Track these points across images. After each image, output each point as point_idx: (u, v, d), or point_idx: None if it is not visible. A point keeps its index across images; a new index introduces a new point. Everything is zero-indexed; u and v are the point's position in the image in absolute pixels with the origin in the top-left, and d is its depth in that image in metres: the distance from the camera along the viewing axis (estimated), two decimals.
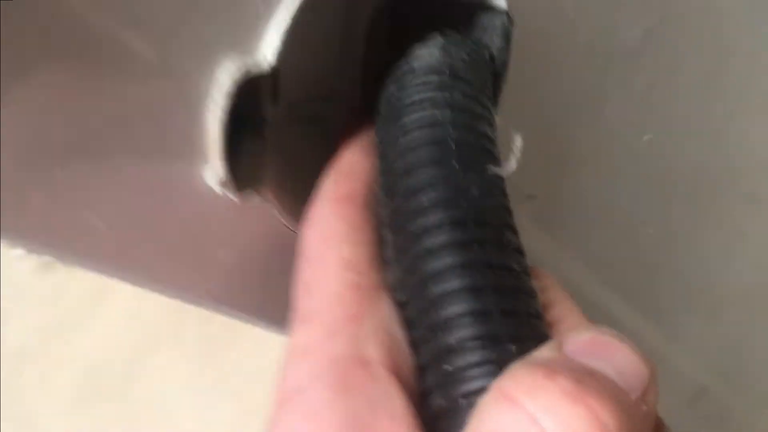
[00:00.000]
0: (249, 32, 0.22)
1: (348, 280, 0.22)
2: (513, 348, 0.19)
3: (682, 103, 0.47)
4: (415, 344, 0.21)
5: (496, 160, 0.24)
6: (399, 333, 0.21)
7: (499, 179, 0.24)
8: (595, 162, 0.40)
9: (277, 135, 0.29)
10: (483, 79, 0.27)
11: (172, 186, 0.23)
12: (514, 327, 0.20)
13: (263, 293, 0.28)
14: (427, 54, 0.26)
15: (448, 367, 0.20)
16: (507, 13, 0.28)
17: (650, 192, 0.53)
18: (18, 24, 0.18)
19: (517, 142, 0.25)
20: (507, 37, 0.28)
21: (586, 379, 0.16)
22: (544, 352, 0.19)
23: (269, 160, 0.27)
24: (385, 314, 0.21)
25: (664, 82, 0.45)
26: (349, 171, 0.25)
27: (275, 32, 0.23)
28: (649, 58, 0.41)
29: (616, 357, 0.17)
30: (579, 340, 0.18)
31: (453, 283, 0.20)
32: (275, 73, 0.25)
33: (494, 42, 0.28)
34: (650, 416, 0.17)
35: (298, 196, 0.29)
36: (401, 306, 0.22)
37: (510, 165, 0.24)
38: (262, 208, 0.26)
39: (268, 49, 0.23)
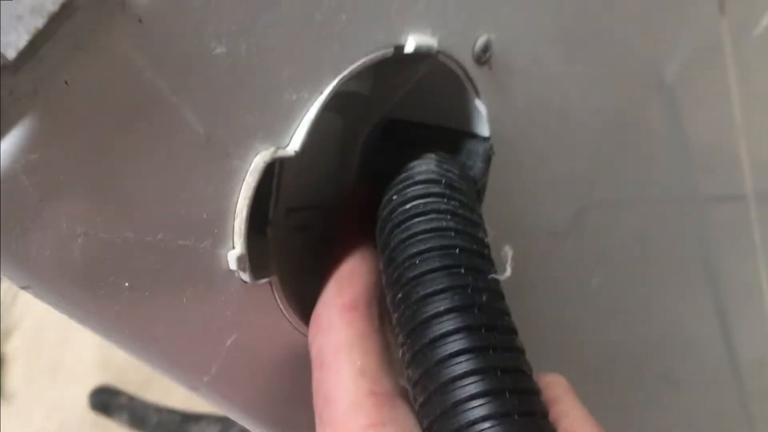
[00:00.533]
0: (281, 123, 0.24)
1: (365, 388, 0.23)
2: None
3: (608, 282, 0.52)
4: None
5: (494, 266, 0.26)
6: None
7: (498, 284, 0.26)
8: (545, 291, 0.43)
9: (275, 237, 0.30)
10: (472, 193, 0.30)
11: (194, 263, 0.24)
12: (530, 428, 0.21)
13: (261, 384, 0.27)
14: (425, 167, 0.29)
15: None
16: (488, 141, 0.31)
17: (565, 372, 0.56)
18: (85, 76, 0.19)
19: (509, 252, 0.27)
20: (488, 161, 0.32)
21: None
22: None
23: (271, 257, 0.28)
24: (404, 419, 0.23)
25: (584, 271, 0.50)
26: (350, 278, 0.27)
27: (302, 126, 0.25)
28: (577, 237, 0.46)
29: None
30: None
31: (472, 388, 0.21)
32: (282, 163, 0.27)
33: (477, 165, 0.32)
34: None
35: (294, 293, 0.30)
36: (421, 407, 0.23)
37: (506, 273, 0.26)
38: (269, 297, 0.27)
39: (295, 140, 0.25)
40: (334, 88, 0.25)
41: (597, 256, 0.51)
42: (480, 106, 0.31)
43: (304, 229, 0.33)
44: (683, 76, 0.43)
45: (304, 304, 0.31)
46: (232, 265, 0.24)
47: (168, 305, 0.23)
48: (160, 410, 1.07)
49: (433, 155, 0.30)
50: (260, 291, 0.26)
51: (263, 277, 0.26)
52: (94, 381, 1.24)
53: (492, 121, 0.32)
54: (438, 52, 0.28)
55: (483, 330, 0.23)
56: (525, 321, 0.46)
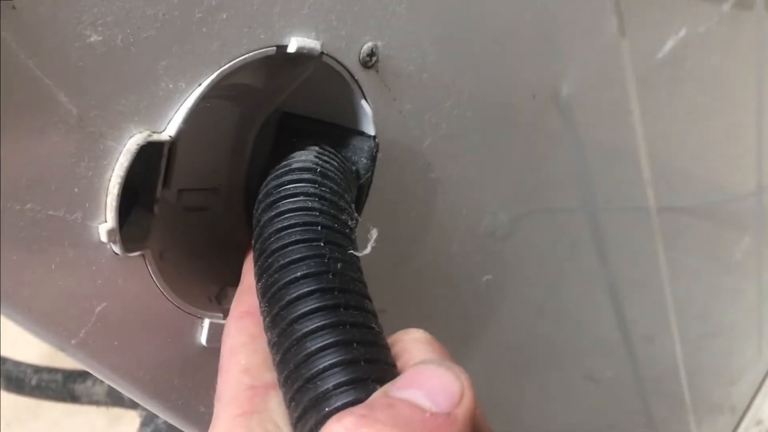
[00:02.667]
0: (157, 109, 0.26)
1: (244, 383, 0.26)
2: (377, 387, 0.23)
3: (532, 284, 0.55)
4: (291, 400, 0.24)
5: (354, 245, 0.29)
6: (283, 423, 0.25)
7: (357, 259, 0.28)
8: (440, 285, 0.46)
9: (165, 214, 0.32)
10: (348, 184, 0.32)
11: (65, 233, 0.26)
12: (377, 372, 0.24)
13: (130, 351, 0.29)
14: (304, 157, 0.31)
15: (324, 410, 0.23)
16: (374, 139, 0.34)
17: (494, 367, 0.59)
18: None
19: (373, 233, 0.30)
20: (373, 158, 0.34)
21: (386, 412, 0.20)
22: (374, 395, 0.22)
23: (154, 233, 0.30)
24: (271, 408, 0.25)
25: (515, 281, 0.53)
26: (249, 289, 0.29)
27: (179, 113, 0.27)
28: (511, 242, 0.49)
29: (427, 383, 0.21)
30: (402, 377, 0.22)
31: (322, 341, 0.24)
32: (173, 146, 0.29)
33: (361, 161, 0.34)
34: (465, 422, 0.21)
35: (173, 267, 0.32)
36: (277, 366, 0.25)
37: (366, 250, 0.29)
38: (142, 269, 0.29)
39: (171, 125, 0.27)
40: (213, 81, 0.27)
41: (529, 259, 0.54)
42: (366, 107, 0.33)
43: (199, 210, 0.35)
44: (581, 91, 0.46)
45: (187, 279, 0.33)
46: (103, 237, 0.26)
47: (36, 270, 0.25)
48: (38, 369, 0.92)
49: (316, 148, 0.32)
50: (133, 263, 0.28)
51: (136, 251, 0.28)
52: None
53: (379, 121, 0.34)
54: (322, 54, 0.30)
55: (336, 292, 0.25)
56: (458, 315, 0.49)
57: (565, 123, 0.46)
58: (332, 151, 0.33)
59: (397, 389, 0.22)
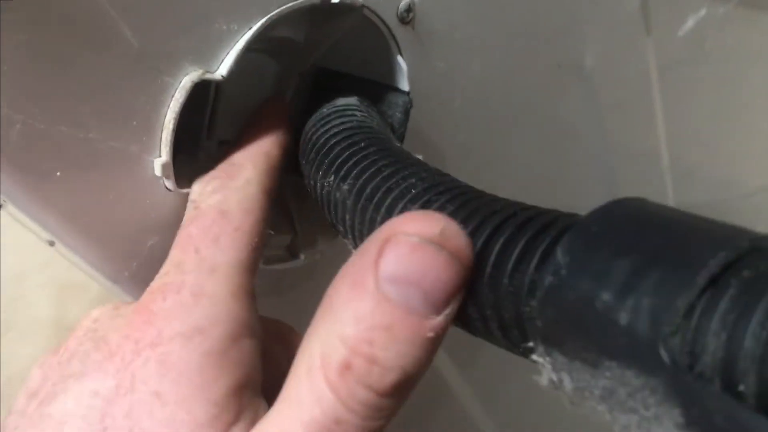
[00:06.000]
0: (210, 49, 0.28)
1: None
2: None
3: None
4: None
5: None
6: None
7: None
8: None
9: (207, 166, 0.33)
10: (385, 128, 0.33)
11: (123, 164, 0.27)
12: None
13: None
14: (346, 100, 0.33)
15: None
16: (408, 94, 0.35)
17: (508, 364, 0.60)
18: None
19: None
20: (407, 113, 0.35)
21: None
22: None
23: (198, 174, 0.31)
24: None
25: None
26: None
27: (230, 55, 0.28)
28: None
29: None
30: None
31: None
32: (217, 92, 0.30)
33: (396, 116, 0.35)
34: None
35: None
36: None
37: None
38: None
39: (223, 66, 0.28)
40: (263, 25, 0.29)
41: None
42: (401, 62, 0.34)
43: None
44: (604, 64, 0.47)
45: None
46: (158, 171, 0.28)
47: (95, 199, 0.27)
48: None
49: (355, 97, 0.34)
50: (183, 200, 0.29)
51: (187, 187, 0.29)
52: (46, 340, 1.24)
53: (413, 77, 0.35)
54: (363, 6, 0.32)
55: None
56: None
57: (588, 99, 0.47)
58: (370, 103, 0.34)
59: None
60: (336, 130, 0.29)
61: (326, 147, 0.28)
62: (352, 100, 0.32)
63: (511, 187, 0.48)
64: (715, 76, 0.67)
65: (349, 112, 0.30)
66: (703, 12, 0.53)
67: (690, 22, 0.52)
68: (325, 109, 0.31)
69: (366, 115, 0.31)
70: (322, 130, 0.30)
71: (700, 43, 0.56)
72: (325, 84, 0.36)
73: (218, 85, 0.29)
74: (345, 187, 0.26)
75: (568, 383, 0.17)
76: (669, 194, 0.67)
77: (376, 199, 0.25)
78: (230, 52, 0.28)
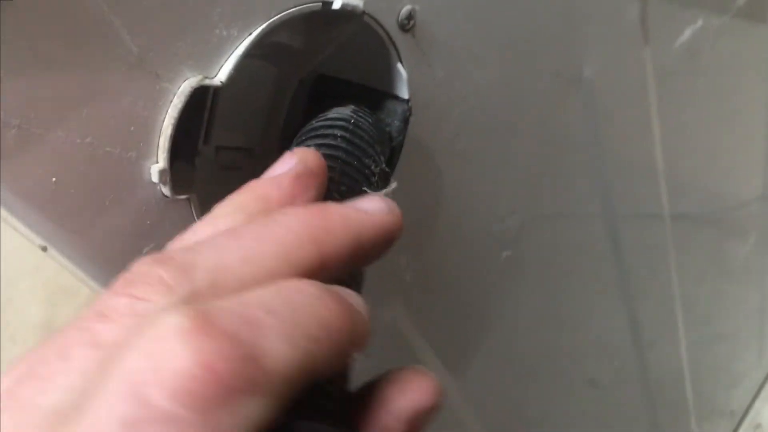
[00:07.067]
0: (209, 55, 0.27)
1: None
2: None
3: (538, 288, 0.56)
4: None
5: (370, 186, 0.30)
6: None
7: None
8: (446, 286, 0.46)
9: (203, 171, 0.33)
10: (379, 139, 0.33)
11: (119, 170, 0.26)
12: None
13: None
14: (339, 111, 0.32)
15: None
16: (408, 102, 0.35)
17: (499, 370, 0.60)
18: None
19: (393, 185, 0.31)
20: (406, 120, 0.35)
21: None
22: None
23: (194, 181, 0.31)
24: None
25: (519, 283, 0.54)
26: None
27: (230, 61, 0.28)
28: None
29: None
30: None
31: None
32: (215, 98, 0.30)
33: (395, 123, 0.35)
34: None
35: None
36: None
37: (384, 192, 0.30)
38: (188, 213, 0.29)
39: (222, 72, 0.28)
40: (263, 31, 0.28)
41: (536, 263, 0.55)
42: (401, 70, 0.34)
43: (232, 169, 0.36)
44: (603, 73, 0.47)
45: None
46: (154, 177, 0.27)
47: (90, 204, 0.26)
48: None
49: (352, 106, 0.33)
50: (180, 207, 0.29)
51: (183, 194, 0.29)
52: (35, 343, 1.23)
53: (413, 85, 0.35)
54: (363, 12, 0.31)
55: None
56: (465, 320, 0.50)
57: (586, 108, 0.47)
58: (368, 111, 0.34)
59: None
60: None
61: None
62: (346, 111, 0.32)
63: (509, 194, 0.48)
64: (710, 87, 0.67)
65: (335, 128, 0.30)
66: (699, 23, 0.53)
67: (687, 34, 0.52)
68: (314, 122, 0.31)
69: (351, 132, 0.30)
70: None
71: (697, 54, 0.56)
72: (325, 90, 0.36)
73: (216, 90, 0.29)
74: None
75: None
76: (664, 203, 0.68)
77: None
78: (230, 58, 0.28)
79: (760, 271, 1.11)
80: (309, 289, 0.17)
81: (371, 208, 0.22)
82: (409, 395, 0.19)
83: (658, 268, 0.74)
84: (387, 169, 0.31)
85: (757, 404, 1.23)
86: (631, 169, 0.59)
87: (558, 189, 0.52)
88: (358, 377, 0.21)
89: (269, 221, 0.20)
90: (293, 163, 0.24)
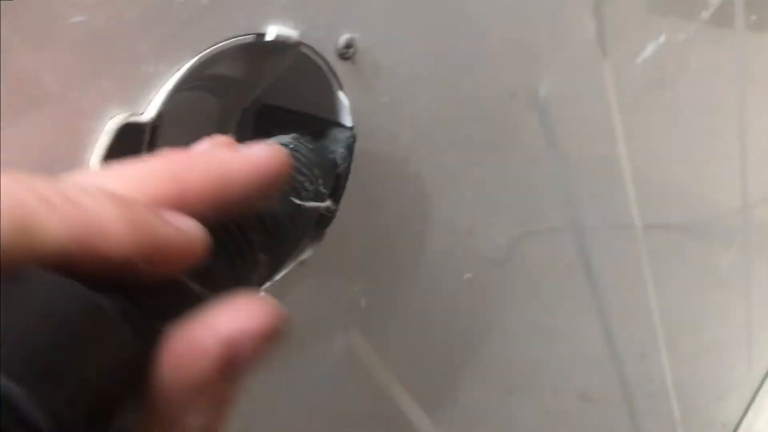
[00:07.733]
0: (137, 92, 0.27)
1: None
2: None
3: (525, 304, 0.56)
4: None
5: (299, 197, 0.29)
6: None
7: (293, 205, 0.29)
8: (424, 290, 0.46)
9: None
10: (319, 165, 0.33)
11: None
12: None
13: None
14: (279, 138, 0.32)
15: None
16: (351, 129, 0.35)
17: (491, 382, 0.59)
18: None
19: (327, 203, 0.31)
20: (350, 148, 0.35)
21: None
22: None
23: None
24: None
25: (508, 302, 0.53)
26: None
27: (158, 97, 0.28)
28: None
29: None
30: None
31: None
32: (154, 132, 0.30)
33: (339, 150, 0.35)
34: None
35: None
36: None
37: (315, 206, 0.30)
38: None
39: (151, 108, 0.28)
40: (193, 65, 0.28)
41: (522, 281, 0.55)
42: (343, 98, 0.34)
43: None
44: (560, 93, 0.47)
45: None
46: None
47: None
48: None
49: (295, 134, 0.33)
50: None
51: None
52: None
53: (356, 112, 0.35)
54: (299, 43, 0.31)
55: None
56: (455, 335, 0.49)
57: (544, 127, 0.47)
58: (309, 138, 0.34)
59: None
60: None
61: None
62: (286, 139, 0.32)
63: (466, 214, 0.48)
64: (679, 99, 0.67)
65: None
66: (662, 39, 0.53)
67: (649, 49, 0.52)
68: None
69: (291, 152, 0.30)
70: None
71: (662, 68, 0.56)
72: (269, 120, 0.35)
73: (152, 126, 0.29)
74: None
75: None
76: (634, 214, 0.67)
77: None
78: (158, 94, 0.28)
79: (744, 280, 1.11)
80: (103, 195, 0.17)
81: (247, 150, 0.22)
82: (232, 314, 0.18)
83: (631, 280, 0.74)
84: (324, 190, 0.31)
85: (750, 415, 1.22)
86: (598, 182, 0.59)
87: (523, 206, 0.52)
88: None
89: (138, 162, 0.20)
90: None
